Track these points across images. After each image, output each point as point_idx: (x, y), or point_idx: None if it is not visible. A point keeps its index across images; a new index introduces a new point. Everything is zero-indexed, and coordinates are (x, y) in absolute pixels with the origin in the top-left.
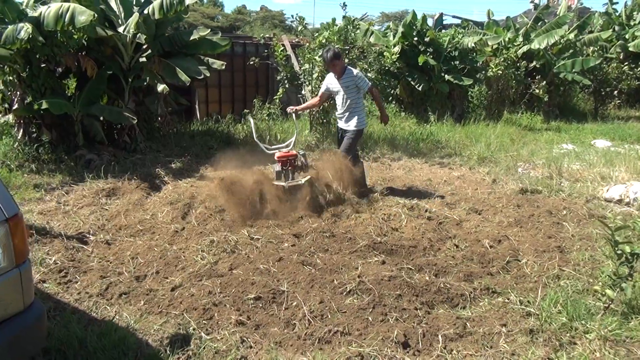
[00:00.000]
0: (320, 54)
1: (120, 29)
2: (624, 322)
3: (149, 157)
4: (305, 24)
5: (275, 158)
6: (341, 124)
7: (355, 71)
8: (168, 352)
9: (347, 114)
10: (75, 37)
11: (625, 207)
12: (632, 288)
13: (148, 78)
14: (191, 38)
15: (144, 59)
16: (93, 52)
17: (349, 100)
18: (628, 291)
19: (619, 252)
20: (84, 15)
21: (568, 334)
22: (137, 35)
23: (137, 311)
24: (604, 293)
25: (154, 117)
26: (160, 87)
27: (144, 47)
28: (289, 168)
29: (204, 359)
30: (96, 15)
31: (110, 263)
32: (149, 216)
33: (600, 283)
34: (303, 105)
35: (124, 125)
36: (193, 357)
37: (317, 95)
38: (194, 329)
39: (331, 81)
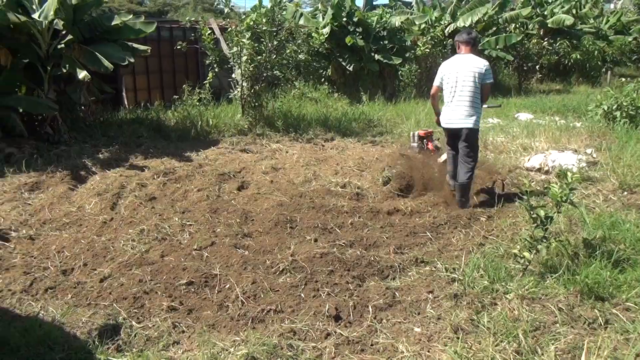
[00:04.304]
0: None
1: (35, 15)
2: (540, 282)
3: (75, 149)
4: (232, 6)
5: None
6: None
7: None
8: (97, 343)
9: None
10: None
11: (544, 175)
12: (547, 249)
13: (68, 66)
14: (113, 23)
15: (62, 46)
16: (7, 40)
17: None
18: (543, 252)
19: (534, 216)
20: None
21: (489, 296)
22: (54, 21)
23: (63, 305)
24: (522, 255)
25: (77, 106)
26: (81, 75)
27: (62, 33)
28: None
29: (134, 347)
30: (5, 0)
31: (35, 258)
32: (75, 208)
33: (518, 246)
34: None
35: (46, 116)
36: (123, 345)
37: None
38: (124, 319)
39: None
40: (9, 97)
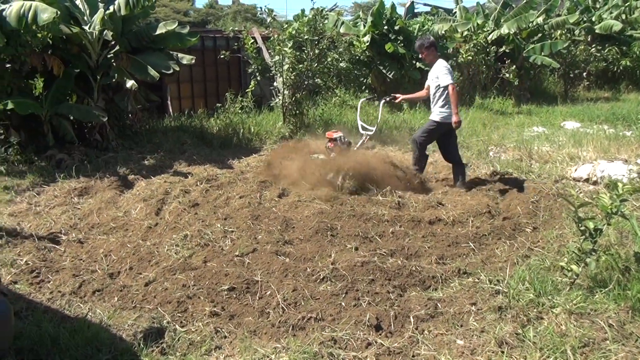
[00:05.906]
0: (290, 45)
1: (86, 26)
2: (588, 296)
3: (121, 155)
4: (274, 15)
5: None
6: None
7: (442, 64)
8: (142, 345)
9: (431, 104)
10: (40, 35)
11: (592, 185)
12: (596, 262)
13: (116, 75)
14: (158, 32)
15: (111, 56)
16: (59, 51)
17: (433, 90)
18: (592, 265)
19: (582, 228)
20: (47, 13)
21: (535, 310)
22: (104, 32)
23: (110, 307)
24: (569, 269)
25: (124, 114)
26: (129, 84)
27: (112, 43)
28: None
29: (178, 350)
30: (59, 12)
31: (83, 261)
32: (122, 213)
33: (566, 259)
34: (409, 96)
35: (95, 124)
36: (167, 349)
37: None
38: (168, 322)
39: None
40: (61, 105)
